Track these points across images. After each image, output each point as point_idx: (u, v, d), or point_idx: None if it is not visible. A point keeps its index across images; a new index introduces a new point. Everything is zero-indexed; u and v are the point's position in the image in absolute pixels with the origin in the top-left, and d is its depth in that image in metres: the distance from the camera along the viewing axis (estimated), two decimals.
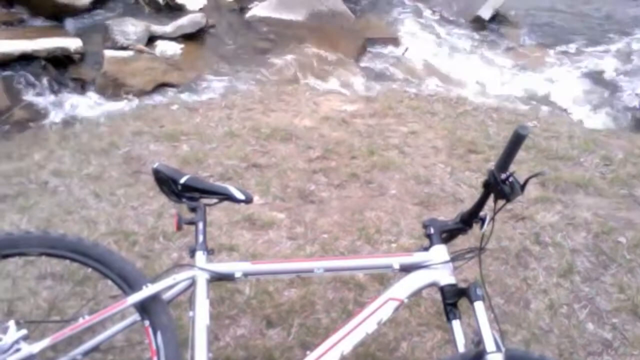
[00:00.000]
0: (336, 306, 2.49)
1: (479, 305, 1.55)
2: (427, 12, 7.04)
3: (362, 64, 5.92)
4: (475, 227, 1.68)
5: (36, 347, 1.60)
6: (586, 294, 2.65)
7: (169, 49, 5.38)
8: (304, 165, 3.55)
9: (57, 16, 5.45)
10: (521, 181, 1.55)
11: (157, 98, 4.83)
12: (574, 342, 2.40)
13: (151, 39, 5.41)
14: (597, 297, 2.63)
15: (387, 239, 2.94)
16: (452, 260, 1.68)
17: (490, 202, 1.60)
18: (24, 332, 1.64)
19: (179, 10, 5.89)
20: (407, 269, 1.70)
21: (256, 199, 3.14)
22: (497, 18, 6.95)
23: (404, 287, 1.67)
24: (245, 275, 1.71)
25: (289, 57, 5.65)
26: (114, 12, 5.75)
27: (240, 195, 1.78)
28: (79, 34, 5.39)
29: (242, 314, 2.43)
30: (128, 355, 2.17)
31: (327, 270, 1.75)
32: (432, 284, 1.68)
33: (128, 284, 1.71)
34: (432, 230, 1.72)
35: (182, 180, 1.76)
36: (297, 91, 4.84)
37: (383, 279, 2.56)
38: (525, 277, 2.72)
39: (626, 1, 7.79)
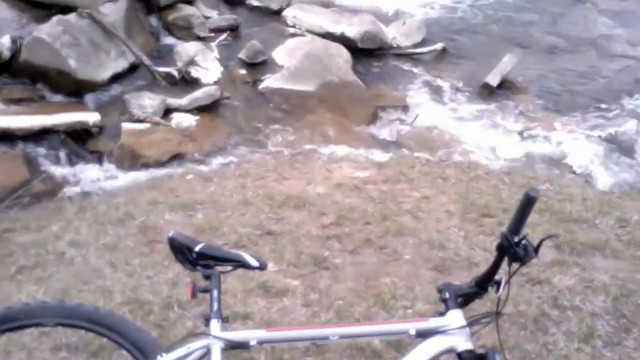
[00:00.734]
0: None
1: None
2: (436, 81, 7.19)
3: (374, 132, 6.00)
4: (491, 291, 1.66)
5: None
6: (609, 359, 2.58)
7: (185, 120, 5.50)
8: (318, 232, 3.57)
9: (78, 92, 5.62)
10: (535, 244, 1.55)
11: (173, 169, 4.92)
12: None
13: (167, 112, 5.55)
14: None
15: (403, 304, 2.92)
16: (469, 325, 1.66)
17: (505, 266, 1.60)
18: None
19: (195, 84, 6.05)
20: (423, 335, 1.67)
21: (271, 266, 3.14)
22: (505, 84, 7.08)
23: (421, 354, 1.64)
24: (261, 343, 1.69)
25: (302, 126, 5.77)
26: (132, 86, 5.91)
27: (254, 263, 1.78)
28: (98, 108, 5.53)
29: None
30: None
31: (343, 337, 1.73)
32: (450, 350, 1.64)
33: (143, 354, 1.70)
34: (447, 295, 1.70)
35: (197, 249, 1.77)
36: (310, 159, 4.91)
37: (400, 345, 2.52)
38: (545, 342, 2.66)
39: (636, 62, 7.91)
